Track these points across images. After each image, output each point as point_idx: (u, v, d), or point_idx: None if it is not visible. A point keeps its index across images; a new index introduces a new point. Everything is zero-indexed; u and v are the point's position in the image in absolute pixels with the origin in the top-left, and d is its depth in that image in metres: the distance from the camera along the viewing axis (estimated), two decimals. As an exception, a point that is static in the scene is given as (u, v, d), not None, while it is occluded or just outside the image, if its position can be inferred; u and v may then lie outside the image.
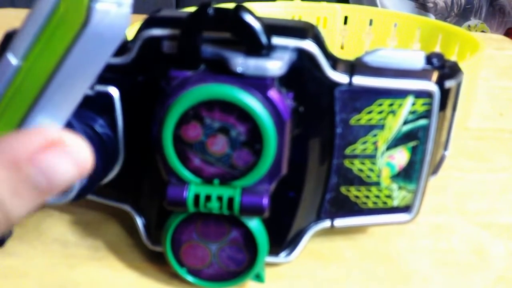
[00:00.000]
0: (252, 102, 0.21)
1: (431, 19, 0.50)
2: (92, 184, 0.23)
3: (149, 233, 0.26)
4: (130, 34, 0.23)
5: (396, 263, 0.27)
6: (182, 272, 0.24)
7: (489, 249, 0.29)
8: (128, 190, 0.26)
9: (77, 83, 0.21)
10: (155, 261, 0.27)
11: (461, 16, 1.05)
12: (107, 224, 0.29)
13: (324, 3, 0.50)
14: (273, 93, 0.21)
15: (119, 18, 0.19)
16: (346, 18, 0.50)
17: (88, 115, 0.23)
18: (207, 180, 0.22)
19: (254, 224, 0.23)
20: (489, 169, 0.37)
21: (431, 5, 1.03)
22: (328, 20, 0.49)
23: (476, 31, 1.04)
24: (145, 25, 0.23)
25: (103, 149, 0.23)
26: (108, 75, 0.23)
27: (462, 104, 0.27)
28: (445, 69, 0.25)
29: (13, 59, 0.20)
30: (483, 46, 0.38)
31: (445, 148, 0.28)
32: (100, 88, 0.23)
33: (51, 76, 0.20)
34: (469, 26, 1.05)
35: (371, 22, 0.49)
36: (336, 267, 0.27)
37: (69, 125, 0.22)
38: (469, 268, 0.27)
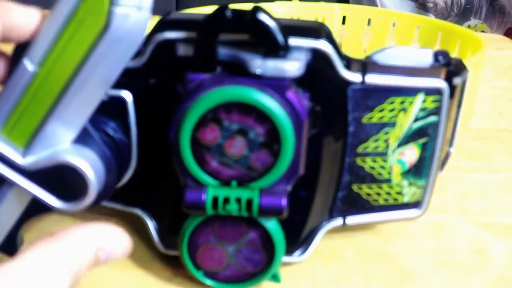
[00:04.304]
0: (270, 103, 0.21)
1: (430, 18, 0.50)
2: (108, 189, 0.22)
3: (161, 237, 0.26)
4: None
5: (396, 263, 0.28)
6: (198, 275, 0.24)
7: (489, 249, 0.29)
8: (140, 194, 0.26)
9: (95, 89, 0.20)
10: (157, 260, 0.26)
11: (461, 16, 1.06)
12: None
13: (323, 3, 0.50)
14: (291, 94, 0.21)
15: (139, 22, 0.19)
16: (344, 18, 0.50)
17: (101, 119, 0.23)
18: (225, 182, 0.22)
19: (272, 225, 0.23)
20: (489, 169, 0.37)
21: (431, 5, 1.04)
22: (327, 20, 0.49)
23: (476, 31, 1.06)
24: (158, 28, 0.22)
25: (117, 154, 0.23)
26: (120, 79, 0.22)
27: (465, 103, 0.27)
28: (451, 66, 0.25)
29: (29, 65, 0.20)
30: (485, 44, 0.38)
31: (450, 144, 0.28)
32: (113, 92, 0.23)
33: (69, 82, 0.20)
34: (469, 26, 1.06)
35: (369, 22, 0.49)
36: (336, 267, 0.27)
37: (83, 131, 0.21)
38: (469, 268, 0.27)
